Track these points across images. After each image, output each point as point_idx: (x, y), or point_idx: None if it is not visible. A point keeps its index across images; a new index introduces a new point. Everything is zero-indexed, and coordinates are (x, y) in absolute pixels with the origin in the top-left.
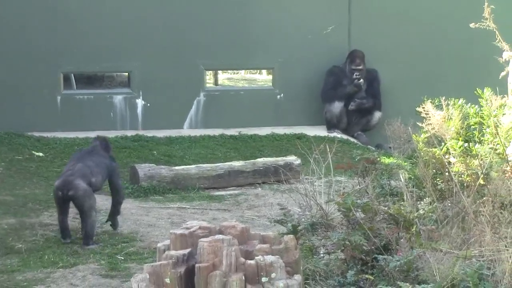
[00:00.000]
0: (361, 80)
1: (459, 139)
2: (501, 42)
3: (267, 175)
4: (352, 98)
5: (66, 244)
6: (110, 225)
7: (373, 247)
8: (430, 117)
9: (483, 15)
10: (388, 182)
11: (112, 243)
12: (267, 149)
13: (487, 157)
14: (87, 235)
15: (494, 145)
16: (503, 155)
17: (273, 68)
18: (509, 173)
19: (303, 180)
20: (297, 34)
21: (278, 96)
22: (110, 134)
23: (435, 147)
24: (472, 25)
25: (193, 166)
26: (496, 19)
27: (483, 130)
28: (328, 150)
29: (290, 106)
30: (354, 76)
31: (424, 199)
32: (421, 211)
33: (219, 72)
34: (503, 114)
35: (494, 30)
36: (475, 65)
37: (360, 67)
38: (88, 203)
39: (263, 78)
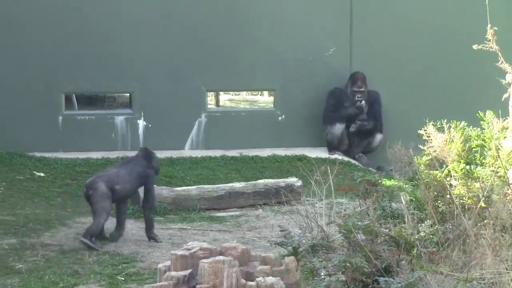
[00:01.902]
0: (363, 102)
1: (460, 162)
2: (504, 64)
3: (268, 197)
4: (353, 120)
5: (67, 264)
6: (149, 238)
7: (374, 269)
8: (431, 139)
9: (486, 36)
10: (389, 204)
11: (113, 264)
12: (268, 171)
13: (488, 180)
14: (88, 230)
15: (495, 168)
16: (504, 178)
17: (275, 90)
18: (510, 196)
19: (304, 202)
20: (299, 55)
21: (280, 118)
22: (111, 154)
23: (437, 170)
24: (475, 46)
25: (194, 187)
26: (499, 40)
27: (485, 153)
28: (329, 171)
29: (291, 128)
30: (356, 98)
31: (425, 222)
32: (422, 234)
33: (221, 93)
34: (505, 137)
35: (497, 51)
36: (477, 86)
37: (362, 89)
38: (100, 205)
39: (265, 100)
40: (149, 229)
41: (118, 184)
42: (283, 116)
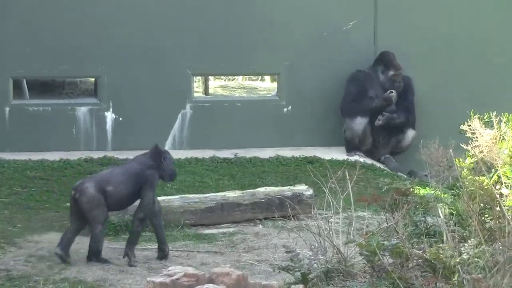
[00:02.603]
0: (394, 93)
1: None
2: None
3: (270, 209)
4: (380, 112)
5: None
6: (124, 255)
7: None
8: (477, 137)
9: None
10: (423, 218)
11: None
12: (270, 176)
13: None
14: (90, 249)
15: None
16: None
17: (279, 74)
18: None
19: (315, 216)
20: (309, 31)
21: (285, 109)
22: (72, 155)
23: (484, 175)
24: None
25: (176, 197)
26: None
27: None
28: (348, 177)
29: (300, 122)
30: (396, 85)
31: (469, 241)
32: (464, 256)
33: (210, 78)
34: None
35: None
36: None
37: (400, 71)
38: (92, 213)
39: (266, 86)
40: (129, 243)
41: (110, 185)
42: (290, 107)
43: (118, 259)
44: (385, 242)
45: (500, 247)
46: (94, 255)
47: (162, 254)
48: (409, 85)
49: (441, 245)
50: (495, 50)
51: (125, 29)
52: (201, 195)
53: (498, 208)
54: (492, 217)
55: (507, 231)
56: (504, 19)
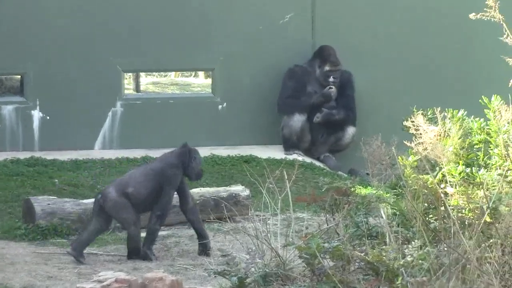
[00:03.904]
0: (333, 88)
1: (458, 163)
2: (510, 37)
3: (205, 211)
4: (318, 109)
5: None
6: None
7: None
8: (421, 134)
9: (486, 2)
10: (365, 219)
11: None
12: (205, 176)
13: (495, 186)
14: (128, 249)
15: (504, 170)
16: None
17: (213, 69)
18: None
19: (253, 218)
20: (245, 24)
21: (220, 106)
22: None
23: (428, 174)
24: (472, 15)
25: None
26: (504, 9)
27: (490, 151)
28: (286, 177)
29: (236, 119)
30: (331, 80)
31: (413, 242)
32: (408, 258)
33: (142, 74)
34: None
35: (501, 22)
36: (478, 67)
37: (338, 68)
38: (120, 216)
39: (200, 83)
40: (147, 241)
41: (130, 186)
42: (225, 104)
43: (46, 264)
44: (326, 244)
45: (445, 249)
46: (134, 253)
47: (202, 250)
48: (349, 80)
49: (383, 246)
50: (439, 45)
51: (52, 24)
52: None
53: (443, 208)
54: (436, 217)
55: (452, 231)
56: (450, 13)
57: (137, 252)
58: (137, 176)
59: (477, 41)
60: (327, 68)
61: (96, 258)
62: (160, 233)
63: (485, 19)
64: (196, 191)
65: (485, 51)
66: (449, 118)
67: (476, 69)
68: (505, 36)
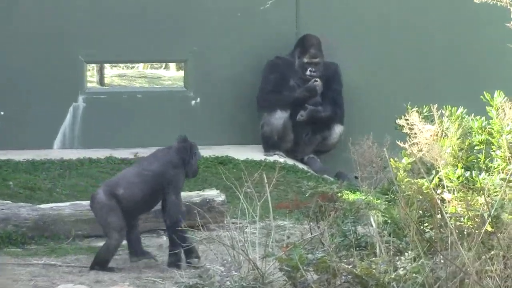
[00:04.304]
0: (318, 82)
1: (457, 166)
2: None
3: None
4: (302, 105)
5: None
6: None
7: None
8: (415, 133)
9: None
10: (353, 228)
11: None
12: None
13: (497, 192)
14: (96, 257)
15: (507, 174)
16: None
17: (186, 61)
18: None
19: (228, 226)
20: (222, 10)
21: (193, 102)
22: None
23: (423, 178)
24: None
25: (67, 203)
26: None
27: (492, 153)
28: (266, 181)
29: (211, 116)
30: (308, 74)
31: (406, 253)
32: (401, 271)
33: (107, 66)
34: None
35: (508, 6)
36: (480, 60)
37: (317, 60)
38: (104, 220)
39: (171, 75)
40: (172, 251)
41: (121, 187)
42: (198, 99)
43: None
44: (309, 256)
45: (442, 261)
46: (99, 264)
47: (173, 260)
48: (336, 73)
49: (373, 258)
50: (438, 35)
51: (7, 12)
52: None
53: (439, 216)
54: (432, 226)
55: (449, 242)
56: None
57: (104, 264)
58: (130, 177)
59: (480, 29)
60: (305, 59)
61: (54, 270)
62: (125, 241)
63: (491, 3)
64: None
65: (490, 42)
66: (447, 116)
67: (479, 62)
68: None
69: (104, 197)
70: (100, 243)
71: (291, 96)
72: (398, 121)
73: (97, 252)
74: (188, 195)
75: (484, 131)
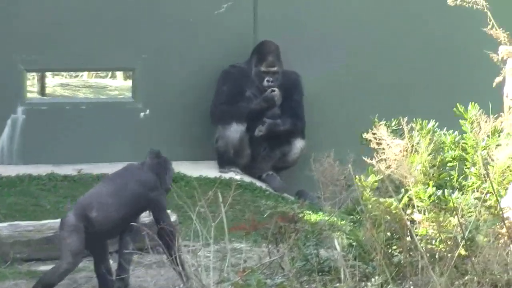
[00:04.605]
0: (276, 91)
1: (428, 184)
2: (495, 29)
3: None
4: (260, 117)
5: None
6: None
7: None
8: (383, 148)
9: None
10: (315, 251)
11: None
12: None
13: (471, 212)
14: (41, 279)
15: (482, 193)
16: (495, 209)
17: (134, 69)
18: (505, 237)
19: (180, 248)
20: (173, 15)
21: (142, 113)
22: None
23: (391, 197)
24: (450, 1)
25: (4, 224)
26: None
27: (466, 170)
28: (221, 200)
29: (161, 130)
30: (265, 84)
31: (372, 279)
32: None
33: (48, 75)
34: (497, 145)
35: (485, 9)
36: (455, 70)
37: (274, 69)
38: (65, 241)
39: (118, 85)
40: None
41: (94, 209)
42: (147, 111)
43: None
44: (268, 281)
45: (411, 287)
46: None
47: (119, 286)
48: (296, 82)
49: (337, 284)
50: (407, 42)
51: None
52: (36, 222)
53: (408, 238)
54: (401, 249)
55: (419, 266)
56: (417, 4)
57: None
58: (105, 196)
59: (455, 36)
60: (262, 68)
61: None
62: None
63: (466, 6)
64: None
65: (464, 49)
66: (417, 130)
67: (452, 72)
68: (488, 26)
69: (73, 219)
70: (42, 267)
71: (247, 107)
72: (364, 135)
73: (41, 275)
74: None
75: (457, 146)
